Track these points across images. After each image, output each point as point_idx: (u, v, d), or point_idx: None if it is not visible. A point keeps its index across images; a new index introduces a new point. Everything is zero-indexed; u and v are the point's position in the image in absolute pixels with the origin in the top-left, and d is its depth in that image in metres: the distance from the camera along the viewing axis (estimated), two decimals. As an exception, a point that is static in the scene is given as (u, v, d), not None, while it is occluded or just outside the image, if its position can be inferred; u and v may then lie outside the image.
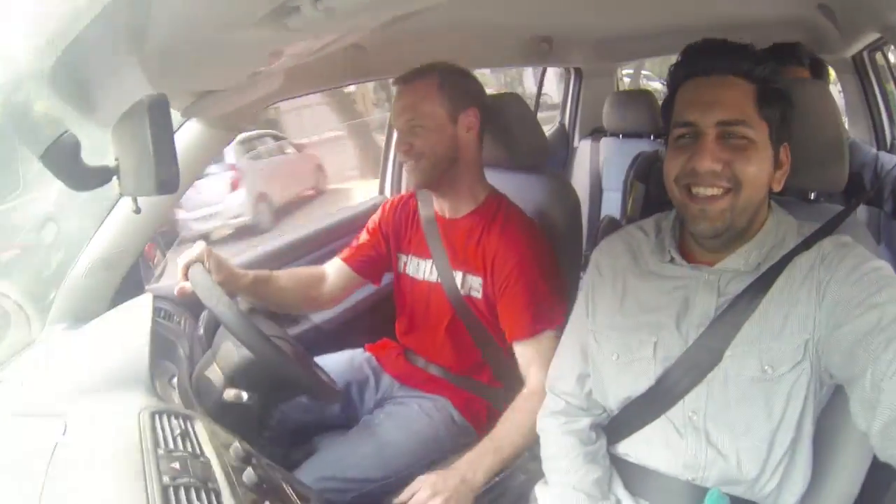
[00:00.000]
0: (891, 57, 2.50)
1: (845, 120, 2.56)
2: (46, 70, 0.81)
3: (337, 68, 1.48)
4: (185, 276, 1.18)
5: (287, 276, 1.42)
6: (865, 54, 2.33)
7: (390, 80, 1.37)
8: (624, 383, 0.94)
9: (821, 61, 1.84)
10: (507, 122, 1.43)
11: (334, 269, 1.47)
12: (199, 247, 1.20)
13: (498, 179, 1.39)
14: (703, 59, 0.88)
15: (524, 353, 1.24)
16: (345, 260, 1.46)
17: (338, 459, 1.22)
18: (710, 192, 0.84)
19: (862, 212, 1.85)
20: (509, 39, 2.04)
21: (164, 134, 0.72)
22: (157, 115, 0.72)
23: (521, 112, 1.47)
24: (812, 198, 1.05)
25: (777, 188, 0.89)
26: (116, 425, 0.80)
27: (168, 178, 0.73)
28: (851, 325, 0.76)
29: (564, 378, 1.04)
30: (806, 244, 0.87)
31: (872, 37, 1.87)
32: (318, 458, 1.25)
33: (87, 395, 0.90)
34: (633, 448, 0.94)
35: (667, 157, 0.90)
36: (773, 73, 0.87)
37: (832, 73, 2.29)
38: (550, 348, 1.13)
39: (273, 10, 0.71)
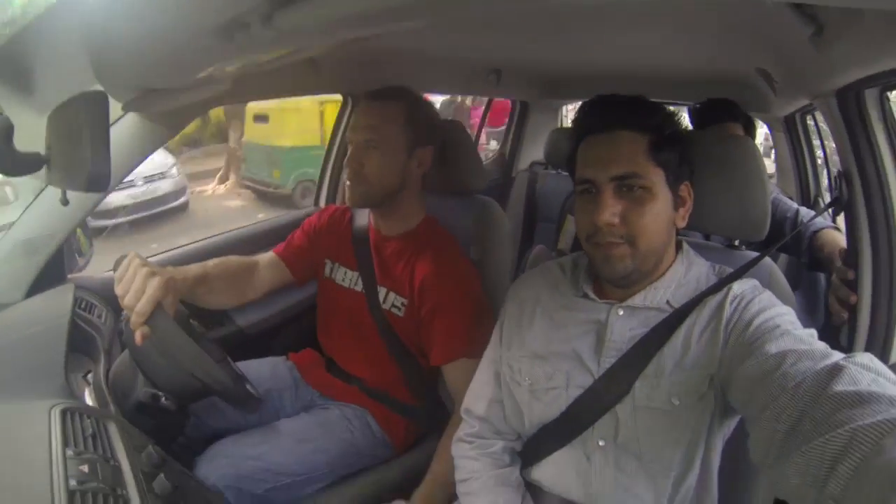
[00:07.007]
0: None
1: (775, 175, 2.77)
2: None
3: (287, 80, 1.48)
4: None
5: (218, 268, 1.32)
6: (797, 116, 2.46)
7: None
8: (536, 410, 0.97)
9: (752, 120, 1.97)
10: (447, 147, 1.46)
11: (265, 260, 1.45)
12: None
13: (433, 201, 1.42)
14: (597, 117, 0.95)
15: (451, 378, 1.26)
16: (277, 252, 1.46)
17: (253, 445, 1.22)
18: (609, 239, 0.90)
19: (783, 261, 1.95)
20: (460, 68, 2.09)
21: (100, 132, 0.71)
22: (95, 113, 0.70)
23: (461, 139, 1.52)
24: (736, 244, 1.14)
25: (681, 224, 0.96)
26: (24, 420, 0.78)
27: (99, 176, 0.71)
28: (752, 368, 0.75)
29: (478, 402, 1.07)
30: (718, 285, 0.92)
31: (804, 101, 1.96)
32: (234, 441, 1.23)
33: (-5, 385, 0.87)
34: (545, 473, 0.98)
35: (576, 213, 0.96)
36: (665, 120, 0.93)
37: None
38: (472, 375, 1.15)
39: (222, 24, 0.70)
